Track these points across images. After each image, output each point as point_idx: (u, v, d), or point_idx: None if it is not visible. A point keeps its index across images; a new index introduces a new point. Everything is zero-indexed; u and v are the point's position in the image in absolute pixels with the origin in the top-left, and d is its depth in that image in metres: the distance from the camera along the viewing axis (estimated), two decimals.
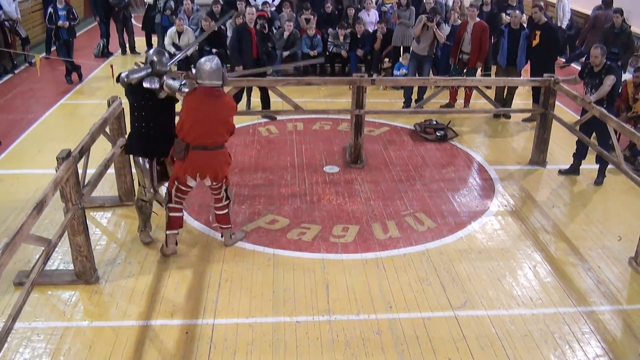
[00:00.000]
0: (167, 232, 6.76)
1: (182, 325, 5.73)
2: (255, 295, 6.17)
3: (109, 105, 7.33)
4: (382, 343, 5.54)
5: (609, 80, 8.26)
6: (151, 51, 6.77)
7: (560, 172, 9.11)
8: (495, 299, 6.20)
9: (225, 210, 6.85)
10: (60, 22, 12.96)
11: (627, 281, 6.60)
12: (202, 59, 6.37)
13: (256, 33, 11.02)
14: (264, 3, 13.35)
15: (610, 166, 8.52)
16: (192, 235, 7.26)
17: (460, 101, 12.02)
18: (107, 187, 8.16)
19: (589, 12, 15.26)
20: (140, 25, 15.72)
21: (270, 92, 10.24)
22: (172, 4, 14.66)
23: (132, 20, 15.94)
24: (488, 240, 7.32)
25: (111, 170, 7.50)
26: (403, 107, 11.66)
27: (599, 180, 8.80)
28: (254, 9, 11.54)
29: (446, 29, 12.17)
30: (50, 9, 13.07)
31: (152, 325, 5.73)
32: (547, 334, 5.72)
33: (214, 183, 6.60)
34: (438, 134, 10.31)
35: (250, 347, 5.46)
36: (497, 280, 6.53)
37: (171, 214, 6.70)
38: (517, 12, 11.17)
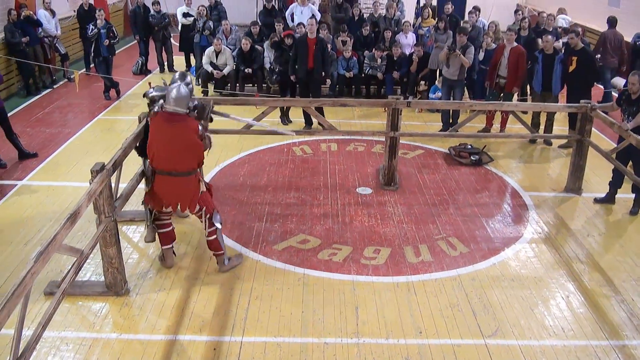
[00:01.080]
0: (162, 247, 6.86)
1: (210, 342, 5.72)
2: (285, 315, 6.13)
3: (139, 121, 7.40)
4: None
5: None
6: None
7: (596, 200, 8.95)
8: (527, 329, 6.08)
9: (214, 236, 6.74)
10: (101, 41, 13.20)
11: None
12: (174, 85, 6.43)
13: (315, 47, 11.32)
14: (299, 24, 13.43)
15: None
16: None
17: (496, 125, 11.92)
18: (138, 201, 8.21)
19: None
20: (178, 45, 15.94)
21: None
22: (210, 24, 14.87)
23: (171, 39, 16.16)
24: (521, 267, 7.20)
25: (142, 185, 7.55)
26: (440, 130, 11.60)
27: (635, 210, 8.62)
28: (314, 19, 11.92)
29: (480, 54, 12.11)
30: (91, 26, 13.31)
31: (180, 340, 5.73)
32: None
33: (188, 211, 6.63)
34: (473, 158, 10.22)
35: None
36: (529, 309, 6.40)
37: (160, 231, 6.80)
38: (550, 37, 11.06)
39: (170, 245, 6.89)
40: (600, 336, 6.01)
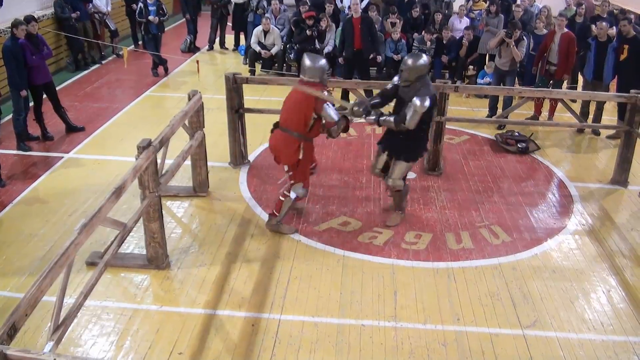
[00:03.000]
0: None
1: (249, 318, 5.80)
2: (323, 295, 6.18)
3: (189, 99, 7.49)
4: (447, 355, 5.45)
5: None
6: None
7: None
8: (566, 321, 6.00)
9: (282, 199, 7.16)
10: (150, 17, 13.36)
11: None
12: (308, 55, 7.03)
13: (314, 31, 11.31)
14: (349, 7, 13.41)
15: None
16: (264, 230, 7.33)
17: (544, 113, 11.72)
18: (185, 177, 8.33)
19: None
20: (231, 24, 16.01)
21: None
22: (264, 3, 14.88)
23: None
24: (563, 259, 7.10)
25: (187, 162, 7.67)
26: (487, 117, 11.45)
27: None
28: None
29: (530, 41, 11.88)
30: (140, 4, 13.48)
31: (219, 315, 5.83)
32: None
33: (282, 164, 7.19)
34: (519, 146, 10.07)
35: (315, 346, 5.47)
36: (570, 301, 6.32)
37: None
38: (604, 23, 10.78)
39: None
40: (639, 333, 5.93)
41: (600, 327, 5.96)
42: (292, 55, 13.04)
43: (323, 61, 6.96)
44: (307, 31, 11.93)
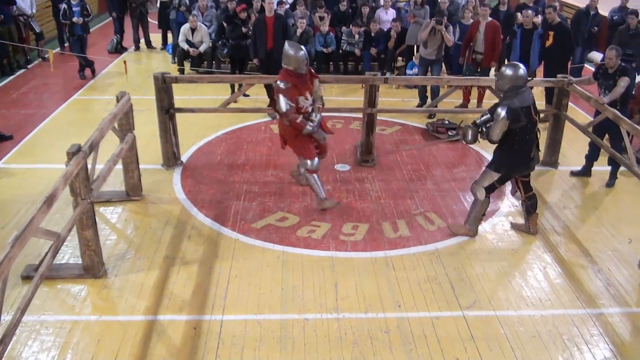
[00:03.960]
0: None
1: (191, 321, 5.74)
2: (264, 292, 6.16)
3: (117, 101, 7.35)
4: (391, 342, 5.52)
5: (623, 82, 8.19)
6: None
7: (572, 173, 9.05)
8: (505, 300, 6.16)
9: (303, 181, 7.97)
10: (74, 19, 13.04)
11: (637, 284, 6.54)
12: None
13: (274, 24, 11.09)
14: (280, 2, 13.35)
15: (622, 168, 8.44)
16: (201, 231, 7.27)
17: (473, 101, 11.95)
18: (117, 182, 8.18)
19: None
20: (157, 23, 15.78)
21: None
22: (187, 0, 14.69)
23: (148, 17, 16.00)
24: (498, 240, 7.28)
25: (119, 166, 7.53)
26: (417, 106, 11.62)
27: (611, 182, 8.74)
28: None
29: (456, 31, 12.09)
30: (64, 5, 13.12)
31: (160, 321, 5.74)
32: (556, 336, 5.68)
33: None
34: (450, 134, 10.26)
35: (259, 344, 5.45)
36: (507, 281, 6.49)
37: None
38: (530, 11, 11.07)
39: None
40: (577, 305, 6.13)
41: (539, 302, 6.15)
42: (225, 52, 12.88)
43: (290, 51, 7.36)
44: (243, 28, 11.78)
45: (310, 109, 7.52)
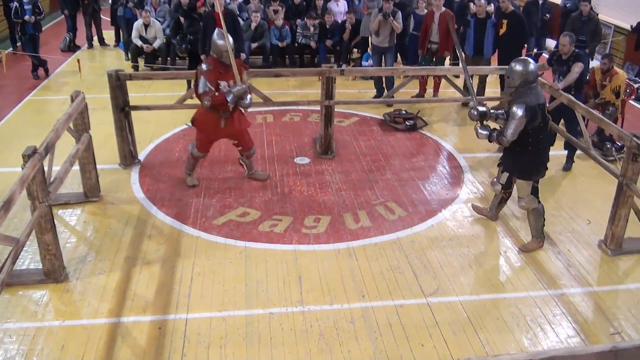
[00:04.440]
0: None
1: (155, 321, 5.70)
2: (228, 289, 6.15)
3: (72, 100, 7.24)
4: (356, 332, 5.56)
5: (577, 68, 8.38)
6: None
7: None
8: (467, 285, 6.26)
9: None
10: (26, 17, 12.76)
11: (597, 263, 6.71)
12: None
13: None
14: None
15: (578, 152, 8.62)
16: (162, 230, 7.22)
17: (430, 91, 12.07)
18: (75, 183, 8.06)
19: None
20: (109, 20, 15.55)
21: None
22: None
23: (101, 13, 15.76)
24: (459, 227, 7.38)
25: (76, 167, 7.42)
26: (374, 97, 11.69)
27: (568, 166, 8.92)
28: None
29: (411, 22, 12.18)
30: (15, 3, 12.83)
31: (124, 322, 5.68)
32: (519, 317, 5.80)
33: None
34: (408, 124, 10.35)
35: (224, 341, 5.45)
36: (469, 266, 6.59)
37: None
38: (483, 1, 11.21)
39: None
40: (539, 287, 6.27)
41: (501, 286, 6.28)
42: (183, 47, 12.72)
43: (214, 38, 7.49)
44: (201, 23, 11.67)
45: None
